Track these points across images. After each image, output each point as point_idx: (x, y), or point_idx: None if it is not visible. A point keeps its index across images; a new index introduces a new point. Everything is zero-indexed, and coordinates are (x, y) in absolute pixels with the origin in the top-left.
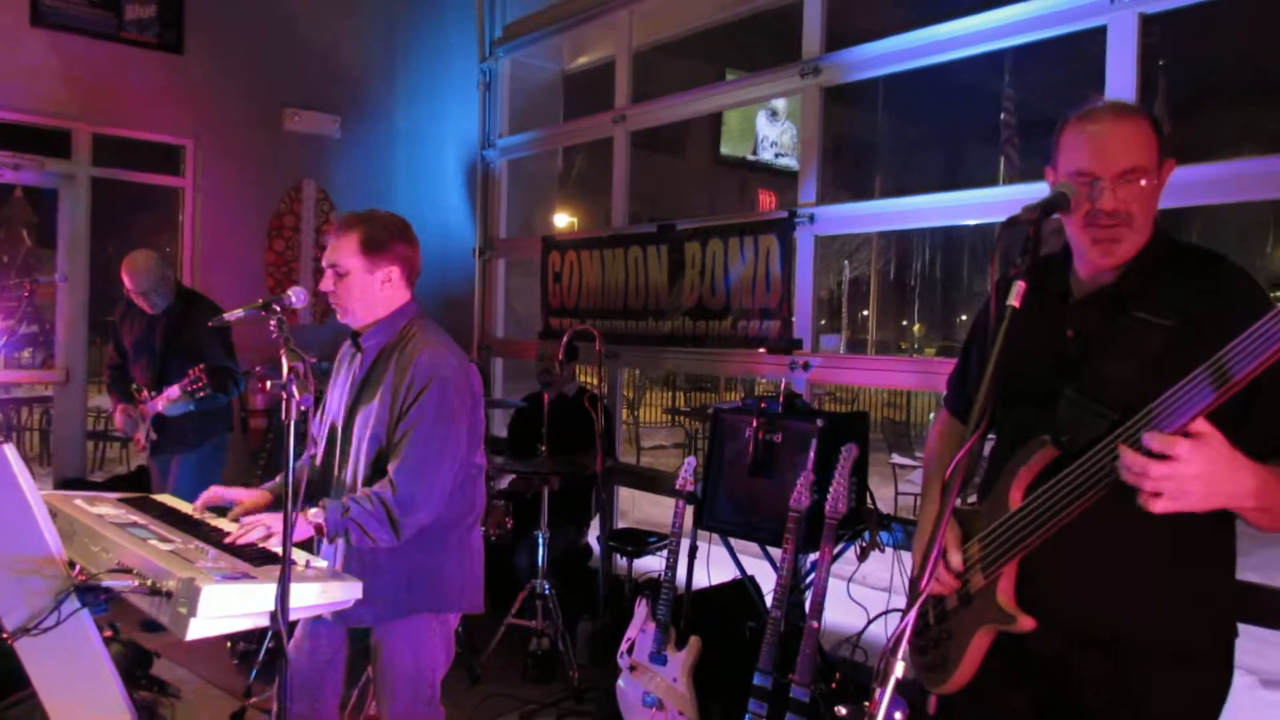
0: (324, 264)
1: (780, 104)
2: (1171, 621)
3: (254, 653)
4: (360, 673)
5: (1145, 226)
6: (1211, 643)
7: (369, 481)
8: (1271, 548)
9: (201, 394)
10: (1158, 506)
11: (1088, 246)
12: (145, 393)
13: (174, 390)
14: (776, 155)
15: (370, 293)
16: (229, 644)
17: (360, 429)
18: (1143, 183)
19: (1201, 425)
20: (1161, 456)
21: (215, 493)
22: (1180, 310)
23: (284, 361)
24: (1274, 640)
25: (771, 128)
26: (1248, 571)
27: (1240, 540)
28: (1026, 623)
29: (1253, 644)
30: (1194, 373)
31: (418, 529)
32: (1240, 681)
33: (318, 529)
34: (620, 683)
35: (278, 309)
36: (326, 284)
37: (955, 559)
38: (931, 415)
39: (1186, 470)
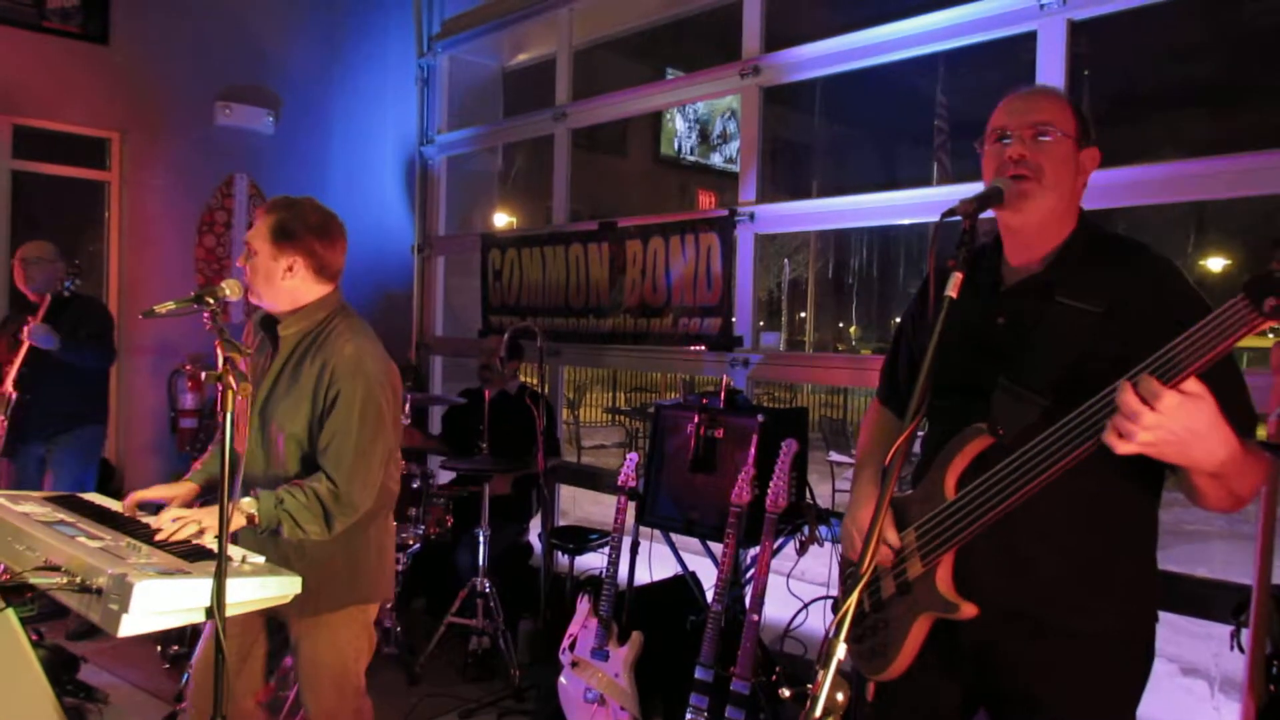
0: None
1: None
2: (1097, 609)
3: (185, 656)
4: (277, 665)
5: (1058, 188)
6: (1134, 628)
7: (296, 478)
8: (1191, 542)
9: (69, 292)
10: (1121, 448)
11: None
12: (9, 365)
13: (46, 302)
14: (687, 152)
15: (272, 279)
16: (159, 648)
17: (280, 422)
18: (1049, 138)
19: (1194, 385)
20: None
21: (140, 495)
22: (1107, 296)
23: (220, 353)
24: (1193, 630)
25: (685, 126)
26: (1169, 563)
27: (1162, 536)
28: (969, 610)
29: (1173, 633)
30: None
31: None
32: (1161, 669)
33: (250, 519)
34: (562, 679)
35: (211, 302)
36: (240, 259)
37: (892, 536)
38: None
39: (1172, 423)
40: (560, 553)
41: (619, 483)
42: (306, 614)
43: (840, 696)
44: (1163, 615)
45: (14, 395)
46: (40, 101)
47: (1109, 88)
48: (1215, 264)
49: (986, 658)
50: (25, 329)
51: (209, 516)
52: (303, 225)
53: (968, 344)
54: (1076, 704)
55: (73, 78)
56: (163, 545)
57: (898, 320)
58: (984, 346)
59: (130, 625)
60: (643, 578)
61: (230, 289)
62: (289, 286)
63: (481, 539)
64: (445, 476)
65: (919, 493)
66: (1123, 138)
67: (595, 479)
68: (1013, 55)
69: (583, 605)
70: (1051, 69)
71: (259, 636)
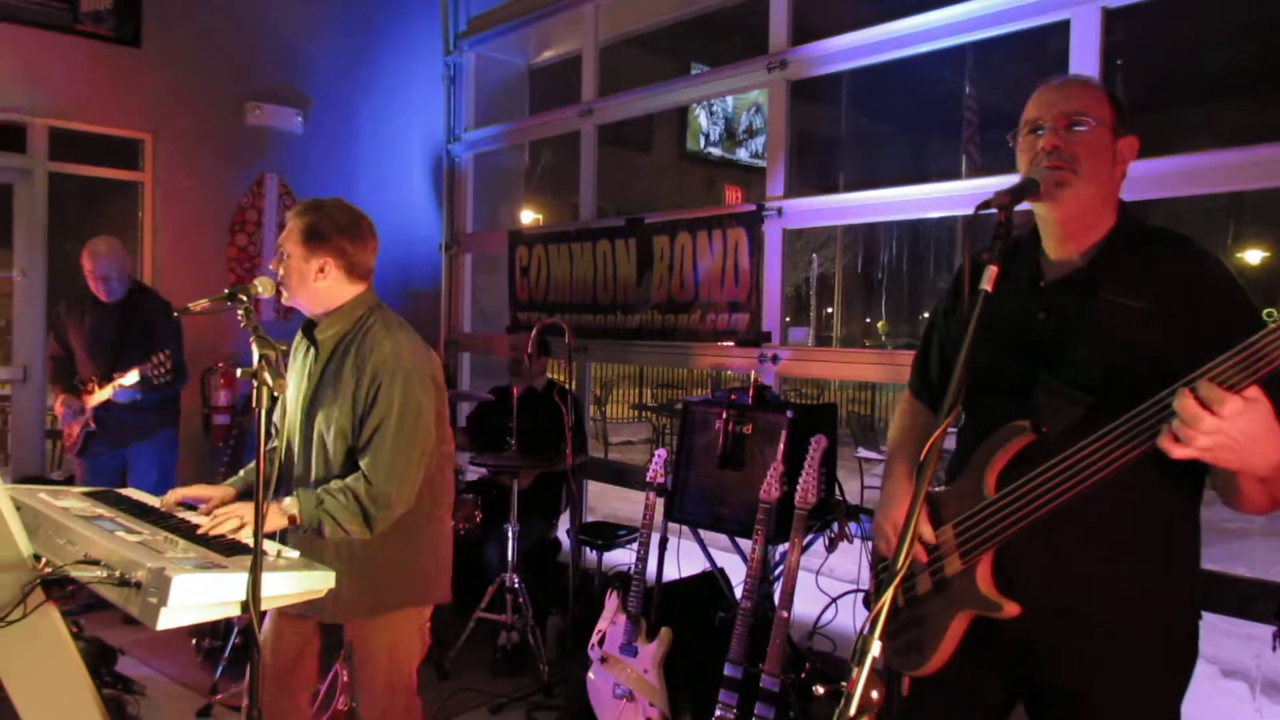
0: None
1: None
2: (1141, 606)
3: (220, 649)
4: (331, 664)
5: (1094, 178)
6: (1177, 625)
7: (340, 478)
8: (1231, 541)
9: (160, 381)
10: (1177, 452)
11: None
12: (93, 384)
13: (133, 374)
14: (712, 147)
15: (306, 280)
16: (194, 641)
17: (323, 424)
18: (1085, 128)
19: (1254, 391)
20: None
21: (179, 493)
22: (1151, 293)
23: (255, 350)
24: (1234, 631)
25: (710, 122)
26: (1208, 562)
27: (1202, 534)
28: (1012, 609)
29: (1213, 634)
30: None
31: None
32: (1201, 671)
33: (291, 520)
34: (590, 675)
35: (244, 299)
36: (274, 263)
37: (927, 531)
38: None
39: (1232, 428)
40: (588, 548)
41: (647, 479)
42: (363, 615)
43: (875, 694)
44: (1203, 615)
45: (92, 424)
46: (74, 104)
47: (1143, 76)
48: (1254, 256)
49: (1026, 653)
50: (113, 382)
51: (249, 512)
52: (332, 226)
53: (1007, 339)
54: (1119, 701)
55: (105, 80)
56: (200, 540)
57: (927, 315)
58: (1024, 342)
59: (169, 618)
60: (671, 574)
61: (263, 286)
62: (322, 288)
63: (510, 535)
64: (471, 473)
65: (956, 489)
66: (1158, 127)
67: (624, 475)
68: (1043, 45)
69: (611, 601)
70: (1085, 58)
71: (313, 634)
